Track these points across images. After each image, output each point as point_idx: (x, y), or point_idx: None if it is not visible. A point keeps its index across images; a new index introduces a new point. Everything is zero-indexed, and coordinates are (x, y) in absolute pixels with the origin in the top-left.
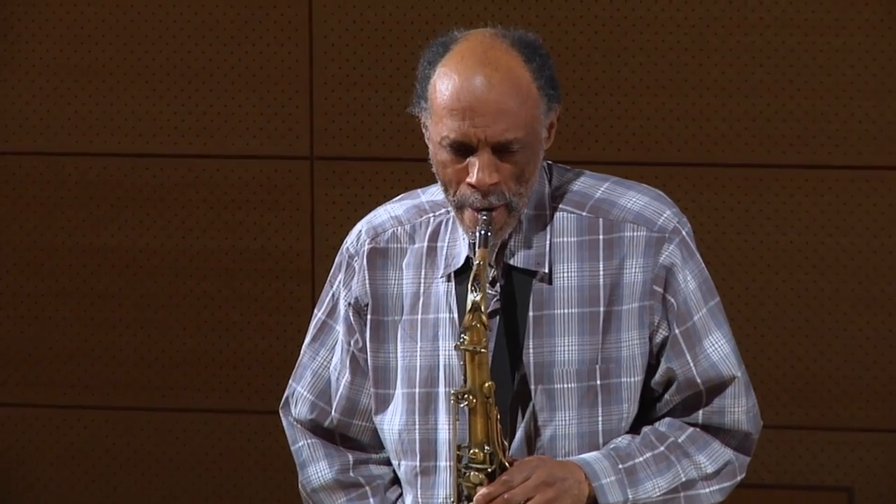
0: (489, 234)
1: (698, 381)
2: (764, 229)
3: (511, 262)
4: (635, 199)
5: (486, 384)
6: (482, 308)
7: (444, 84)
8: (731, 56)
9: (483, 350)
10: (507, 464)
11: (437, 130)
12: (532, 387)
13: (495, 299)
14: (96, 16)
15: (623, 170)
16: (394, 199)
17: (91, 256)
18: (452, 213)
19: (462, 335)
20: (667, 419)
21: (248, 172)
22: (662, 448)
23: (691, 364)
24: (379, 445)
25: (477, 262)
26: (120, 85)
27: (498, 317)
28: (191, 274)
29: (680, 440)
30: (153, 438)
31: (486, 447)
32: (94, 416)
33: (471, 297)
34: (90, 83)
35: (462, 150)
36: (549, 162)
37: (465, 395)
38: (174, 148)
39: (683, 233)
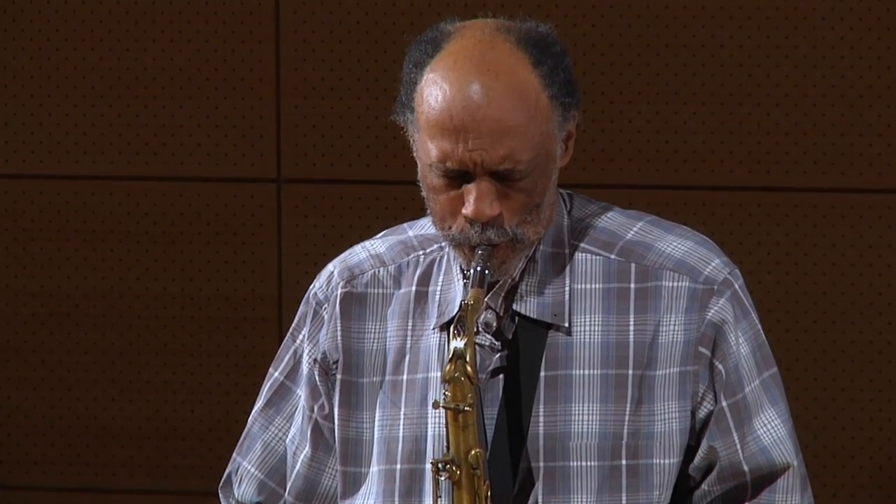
0: (487, 270)
1: (745, 468)
2: (834, 268)
3: (521, 309)
4: (676, 243)
5: (473, 452)
6: (467, 357)
7: (432, 95)
8: (796, 55)
9: (468, 409)
10: None
11: (426, 151)
12: (541, 464)
13: (499, 355)
14: (14, 6)
15: (648, 195)
16: (375, 236)
17: (3, 302)
18: (447, 251)
19: (444, 391)
20: None
21: (201, 199)
22: None
23: (738, 446)
24: None
25: (467, 302)
26: (42, 91)
27: (501, 376)
28: (129, 323)
29: None
30: None
31: None
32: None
33: (453, 344)
34: (6, 89)
35: (456, 175)
36: (569, 192)
37: (447, 466)
38: (109, 168)
39: (736, 286)
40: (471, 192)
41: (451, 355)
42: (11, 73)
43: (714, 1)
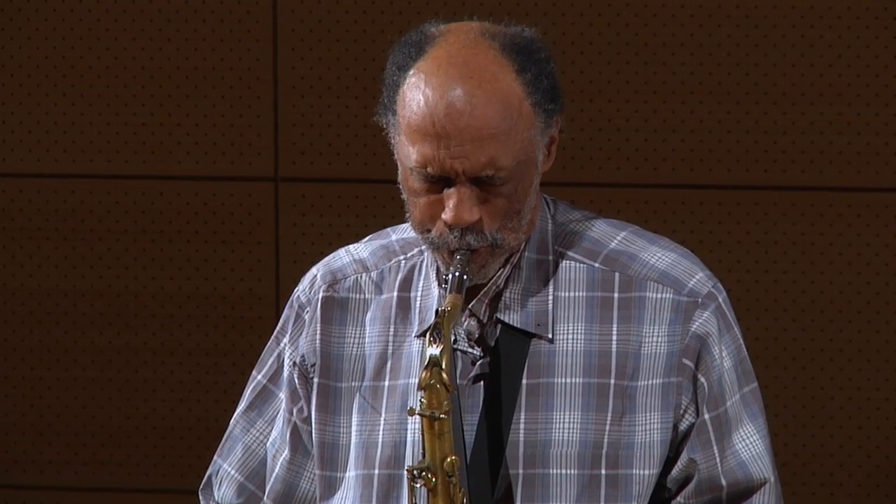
0: (465, 276)
1: (723, 482)
2: (832, 267)
3: (505, 318)
4: (659, 254)
5: (448, 459)
6: (442, 364)
7: (415, 99)
8: (793, 54)
9: (443, 416)
10: None
11: (407, 154)
12: (521, 471)
13: (481, 361)
14: (11, 4)
15: (646, 194)
16: (362, 240)
17: (0, 300)
18: (426, 255)
19: (420, 398)
20: None
21: (198, 197)
22: None
23: (717, 459)
24: None
25: (443, 308)
26: (40, 89)
27: (483, 383)
28: (126, 322)
29: None
30: None
31: None
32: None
33: (429, 351)
34: (3, 88)
35: (437, 179)
36: (552, 197)
37: (423, 473)
38: (106, 167)
39: (720, 299)
40: (451, 197)
41: (426, 363)
42: (9, 71)
43: None
